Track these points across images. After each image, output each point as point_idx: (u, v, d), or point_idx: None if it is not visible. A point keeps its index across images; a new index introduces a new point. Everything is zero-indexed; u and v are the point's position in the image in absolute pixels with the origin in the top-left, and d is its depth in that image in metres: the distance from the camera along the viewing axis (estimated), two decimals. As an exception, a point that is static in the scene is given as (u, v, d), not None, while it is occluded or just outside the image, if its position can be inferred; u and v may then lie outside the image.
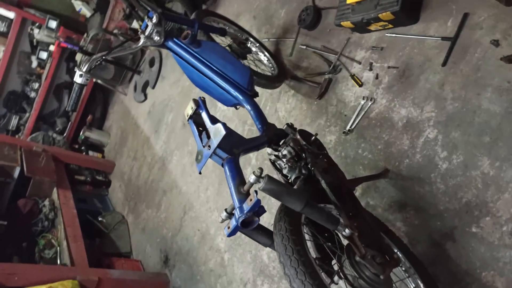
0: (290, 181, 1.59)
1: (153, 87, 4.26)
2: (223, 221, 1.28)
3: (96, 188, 4.47)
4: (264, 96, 2.69)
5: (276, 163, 1.68)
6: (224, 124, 1.36)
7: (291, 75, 2.51)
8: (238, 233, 1.26)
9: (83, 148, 4.82)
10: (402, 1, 1.76)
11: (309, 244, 1.40)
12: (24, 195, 3.51)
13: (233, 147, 1.41)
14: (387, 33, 1.99)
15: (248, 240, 2.46)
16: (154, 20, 1.76)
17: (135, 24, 4.32)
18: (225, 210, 1.26)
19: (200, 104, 1.50)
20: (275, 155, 1.69)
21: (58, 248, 3.03)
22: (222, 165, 1.38)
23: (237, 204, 1.21)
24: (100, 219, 3.84)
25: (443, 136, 1.65)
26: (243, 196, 1.22)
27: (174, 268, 3.06)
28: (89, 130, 4.90)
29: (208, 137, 1.40)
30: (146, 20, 1.77)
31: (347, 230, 1.25)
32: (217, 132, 1.36)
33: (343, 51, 2.22)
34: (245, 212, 1.16)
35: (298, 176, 1.56)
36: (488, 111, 1.53)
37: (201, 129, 1.49)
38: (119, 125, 4.89)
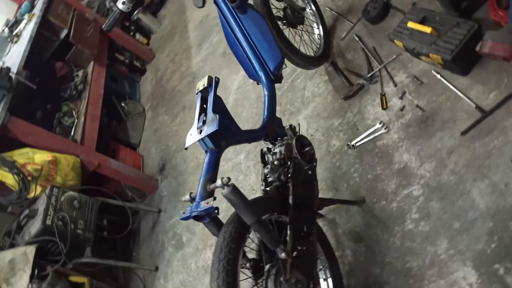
0: (267, 180, 1.69)
1: (214, -1, 4.16)
2: (184, 201, 1.43)
3: (131, 72, 4.67)
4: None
5: (265, 156, 1.77)
6: (220, 118, 1.43)
7: (332, 61, 2.44)
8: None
9: (132, 28, 4.91)
10: (456, 53, 1.64)
11: (253, 245, 1.56)
12: (63, 58, 3.74)
13: (224, 139, 1.49)
14: (434, 70, 1.88)
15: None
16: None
17: None
18: (190, 194, 1.40)
19: (212, 83, 1.55)
20: (268, 148, 1.77)
21: (76, 120, 3.33)
22: (206, 152, 1.48)
23: (197, 198, 1.34)
24: (123, 104, 4.10)
25: (424, 199, 1.67)
26: (206, 194, 1.35)
27: (166, 179, 3.36)
28: (144, 13, 4.93)
29: (205, 122, 1.48)
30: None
31: (283, 254, 1.39)
32: (211, 123, 1.43)
33: (387, 65, 2.13)
34: (199, 210, 1.30)
35: (275, 181, 1.65)
36: (473, 201, 1.53)
37: (204, 106, 1.57)
38: (171, 19, 4.89)
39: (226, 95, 3.16)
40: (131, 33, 4.84)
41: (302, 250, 1.48)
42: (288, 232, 1.48)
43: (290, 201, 1.57)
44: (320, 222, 1.97)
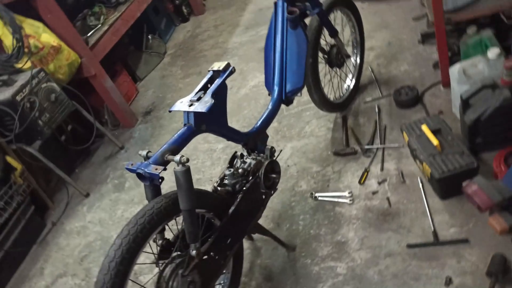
0: (223, 181, 1.70)
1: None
2: (139, 155, 1.44)
3: (175, 14, 4.64)
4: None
5: (235, 159, 1.79)
6: (213, 104, 1.44)
7: (344, 115, 2.47)
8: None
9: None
10: (445, 177, 1.68)
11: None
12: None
13: (206, 124, 1.51)
14: (420, 178, 1.92)
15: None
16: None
17: None
18: (147, 152, 1.41)
19: (227, 71, 1.56)
20: (241, 154, 1.79)
21: (99, 26, 3.31)
22: (184, 124, 1.49)
23: (151, 160, 1.35)
24: (149, 37, 4.07)
25: (343, 280, 1.70)
26: (161, 160, 1.36)
27: (145, 124, 3.35)
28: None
29: (199, 99, 1.49)
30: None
31: (194, 252, 1.40)
32: (204, 103, 1.44)
33: (386, 148, 2.16)
34: (145, 170, 1.31)
35: (229, 185, 1.67)
36: (380, 307, 1.56)
37: (208, 86, 1.58)
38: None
39: (240, 87, 3.18)
40: (196, -20, 4.80)
41: (214, 258, 1.50)
42: (212, 236, 1.50)
43: (230, 211, 1.59)
44: (247, 243, 1.99)
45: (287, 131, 2.58)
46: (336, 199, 2.04)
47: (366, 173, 2.09)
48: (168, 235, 1.48)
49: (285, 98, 1.91)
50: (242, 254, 1.83)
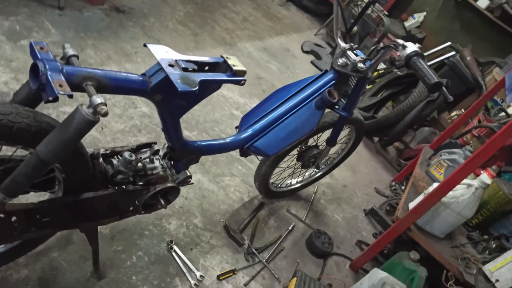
0: (111, 156, 1.26)
1: (319, 60, 4.01)
2: (64, 50, 0.97)
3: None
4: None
5: (148, 148, 1.38)
6: (193, 92, 1.04)
7: (263, 202, 2.19)
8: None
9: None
10: None
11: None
12: None
13: (164, 99, 1.10)
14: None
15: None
16: (358, 65, 1.51)
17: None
18: (70, 56, 0.96)
19: (236, 75, 1.19)
20: (158, 150, 1.38)
21: None
22: (145, 74, 1.07)
23: (66, 68, 0.89)
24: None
25: None
26: (76, 81, 0.90)
27: (106, 16, 2.74)
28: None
29: (186, 71, 1.09)
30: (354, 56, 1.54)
31: (1, 195, 0.93)
32: (184, 81, 1.04)
33: (266, 268, 1.90)
34: (48, 74, 0.85)
35: (111, 167, 1.23)
36: None
37: (206, 68, 1.19)
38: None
39: (230, 89, 2.81)
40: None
41: (13, 222, 1.02)
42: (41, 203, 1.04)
43: (84, 195, 1.15)
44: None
45: (209, 165, 2.21)
46: (184, 269, 1.68)
47: (231, 274, 1.78)
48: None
49: (246, 148, 1.57)
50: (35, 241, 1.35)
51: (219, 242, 1.88)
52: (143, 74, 1.06)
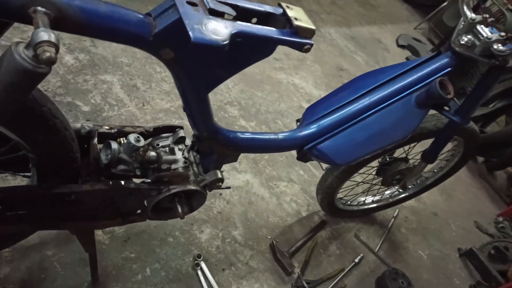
0: (112, 136, 0.92)
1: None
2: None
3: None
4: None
5: (173, 135, 1.01)
6: (223, 45, 0.64)
7: (325, 220, 1.73)
8: None
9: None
10: None
11: None
12: None
13: (178, 57, 0.70)
14: None
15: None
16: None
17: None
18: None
19: (297, 33, 0.76)
20: (185, 138, 1.00)
21: None
22: (147, 14, 0.68)
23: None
24: None
25: None
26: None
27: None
28: None
29: (220, 14, 0.68)
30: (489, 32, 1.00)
31: None
32: (208, 29, 0.64)
33: (318, 312, 1.44)
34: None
35: (112, 154, 0.88)
36: None
37: (252, 22, 0.77)
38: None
39: (304, 78, 2.37)
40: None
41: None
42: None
43: (69, 187, 0.81)
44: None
45: (264, 164, 1.80)
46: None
47: (269, 311, 1.36)
48: None
49: (306, 150, 1.13)
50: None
51: (260, 265, 1.47)
52: (148, 14, 0.68)
